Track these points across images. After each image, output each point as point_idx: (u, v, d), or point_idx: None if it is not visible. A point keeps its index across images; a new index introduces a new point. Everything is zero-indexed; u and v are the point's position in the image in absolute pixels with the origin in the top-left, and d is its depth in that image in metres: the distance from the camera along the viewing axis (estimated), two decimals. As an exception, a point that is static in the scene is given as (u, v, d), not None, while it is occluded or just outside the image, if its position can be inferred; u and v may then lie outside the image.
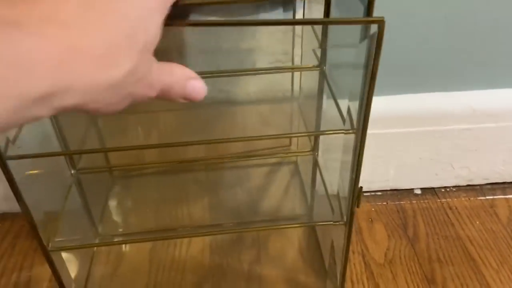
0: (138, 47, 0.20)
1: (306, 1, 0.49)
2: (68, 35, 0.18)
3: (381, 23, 0.31)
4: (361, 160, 0.40)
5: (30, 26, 0.17)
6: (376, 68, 0.34)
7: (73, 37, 0.18)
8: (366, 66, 0.34)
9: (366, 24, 0.32)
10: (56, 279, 0.46)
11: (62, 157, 0.54)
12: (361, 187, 0.42)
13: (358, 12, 0.34)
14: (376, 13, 0.55)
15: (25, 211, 0.40)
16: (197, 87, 0.25)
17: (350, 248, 0.61)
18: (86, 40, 0.18)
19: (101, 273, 0.58)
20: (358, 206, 0.43)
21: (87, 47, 0.18)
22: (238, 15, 0.42)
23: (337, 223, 0.46)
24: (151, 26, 0.21)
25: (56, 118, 0.51)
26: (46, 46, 0.17)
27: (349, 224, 0.44)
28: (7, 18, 0.17)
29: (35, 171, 0.45)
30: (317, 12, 0.51)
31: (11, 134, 0.39)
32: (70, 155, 0.55)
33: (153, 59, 0.23)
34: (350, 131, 0.40)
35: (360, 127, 0.38)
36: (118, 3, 0.20)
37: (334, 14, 0.45)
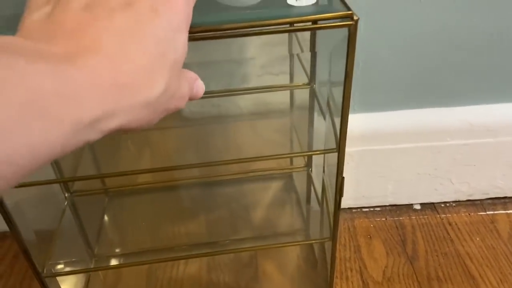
0: (169, 66, 0.22)
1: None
2: (111, 64, 0.20)
3: (351, 26, 0.31)
4: (341, 175, 0.40)
5: (78, 61, 0.19)
6: (351, 71, 0.34)
7: (115, 65, 0.20)
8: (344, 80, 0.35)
9: (336, 28, 0.32)
10: (51, 303, 0.46)
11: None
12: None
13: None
14: (373, 31, 0.55)
15: (18, 238, 0.40)
16: (200, 87, 0.27)
17: (348, 265, 0.61)
18: (126, 67, 0.21)
19: (98, 294, 0.58)
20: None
21: (128, 73, 0.21)
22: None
23: (325, 239, 0.46)
24: (179, 45, 0.23)
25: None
26: (93, 78, 0.19)
27: (333, 242, 0.44)
28: (57, 56, 0.19)
29: (28, 196, 0.45)
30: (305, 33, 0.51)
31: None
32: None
33: (182, 72, 0.25)
34: (334, 150, 0.40)
35: (338, 137, 0.38)
36: (148, 28, 0.22)
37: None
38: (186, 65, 0.25)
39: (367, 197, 0.68)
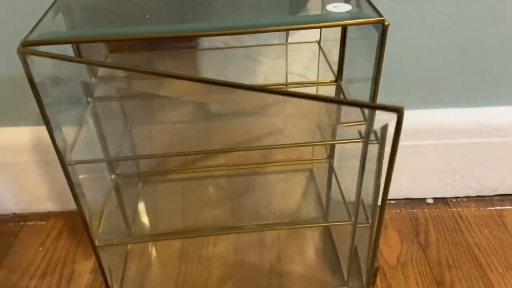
0: None
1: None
2: None
3: (399, 112, 0.30)
4: (392, 170, 0.44)
5: None
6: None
7: None
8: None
9: (386, 111, 0.31)
10: (101, 271, 0.51)
11: (104, 164, 0.60)
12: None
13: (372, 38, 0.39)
14: (394, 37, 0.60)
15: (80, 210, 0.46)
16: None
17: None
18: None
19: (136, 268, 0.63)
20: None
21: None
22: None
23: (362, 224, 0.50)
24: None
25: (101, 128, 0.57)
26: None
27: (378, 226, 0.47)
28: None
29: (85, 175, 0.51)
30: (331, 35, 0.56)
31: (70, 141, 0.45)
32: (110, 162, 0.61)
33: None
34: (375, 142, 0.44)
35: (382, 139, 0.43)
36: None
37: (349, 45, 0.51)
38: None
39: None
